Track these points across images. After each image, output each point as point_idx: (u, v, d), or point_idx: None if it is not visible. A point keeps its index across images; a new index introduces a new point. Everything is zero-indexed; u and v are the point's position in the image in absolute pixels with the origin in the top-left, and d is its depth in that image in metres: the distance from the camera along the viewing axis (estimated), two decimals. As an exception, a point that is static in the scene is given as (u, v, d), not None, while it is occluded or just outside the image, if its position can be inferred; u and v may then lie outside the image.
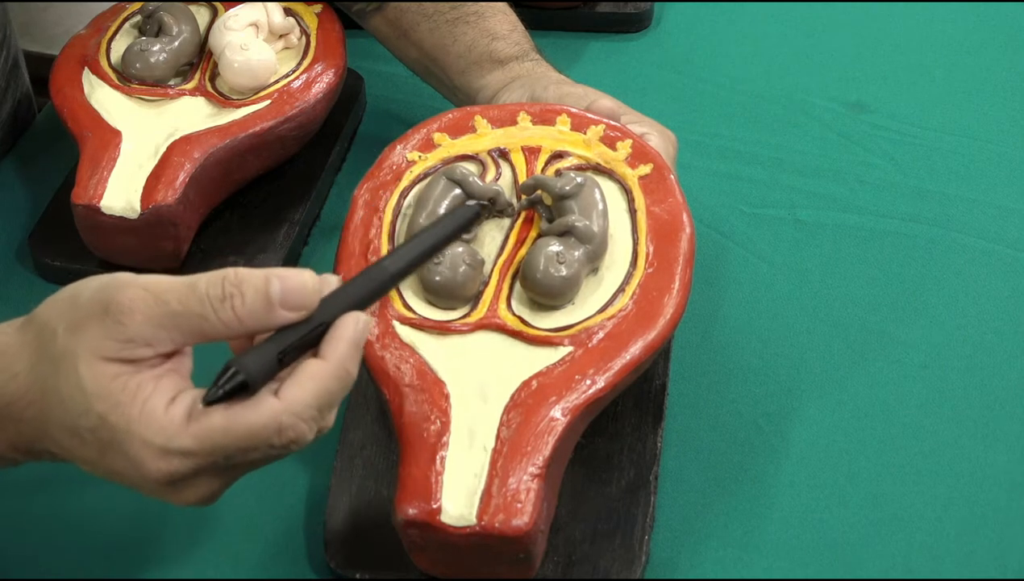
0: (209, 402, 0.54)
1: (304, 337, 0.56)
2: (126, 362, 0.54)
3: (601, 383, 0.66)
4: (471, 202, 0.67)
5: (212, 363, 0.56)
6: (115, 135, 0.85)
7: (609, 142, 0.75)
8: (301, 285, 0.56)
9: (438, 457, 0.63)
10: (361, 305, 0.58)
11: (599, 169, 0.74)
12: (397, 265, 0.62)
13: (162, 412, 0.54)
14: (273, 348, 0.55)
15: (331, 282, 0.58)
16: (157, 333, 0.54)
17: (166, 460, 0.54)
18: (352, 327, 0.57)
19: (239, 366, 0.54)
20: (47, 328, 0.56)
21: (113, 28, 0.93)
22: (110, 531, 0.72)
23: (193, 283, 0.55)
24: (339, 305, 0.57)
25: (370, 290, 0.59)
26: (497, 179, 0.74)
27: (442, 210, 0.71)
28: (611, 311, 0.68)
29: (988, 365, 0.80)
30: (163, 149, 0.84)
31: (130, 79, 0.89)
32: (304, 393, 0.55)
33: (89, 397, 0.54)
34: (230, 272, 0.55)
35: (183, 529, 0.72)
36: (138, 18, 0.93)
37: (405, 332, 0.68)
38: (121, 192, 0.82)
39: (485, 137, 0.76)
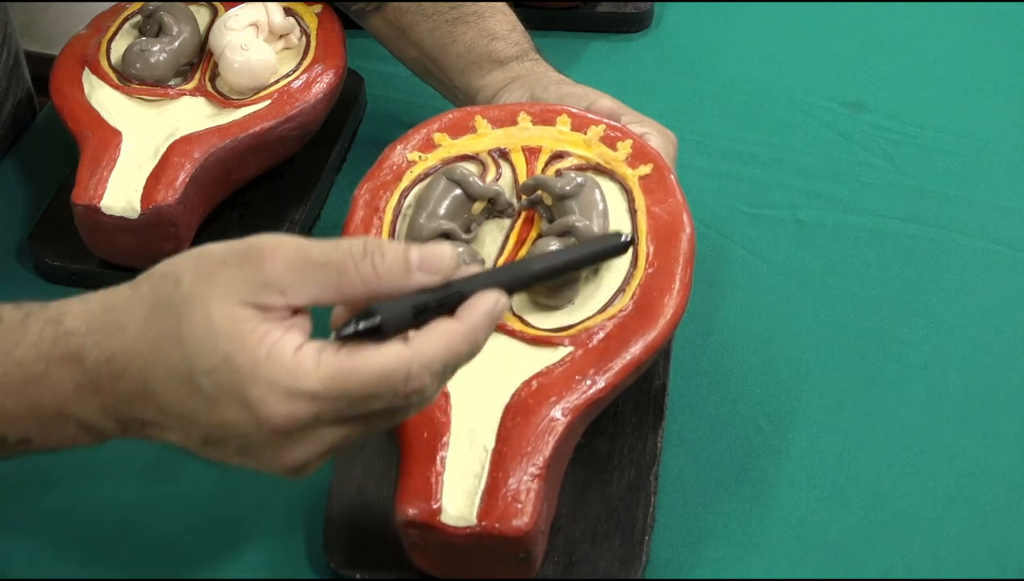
0: (342, 337, 0.54)
1: (441, 299, 0.56)
2: (258, 308, 0.54)
3: (601, 383, 0.66)
4: (624, 236, 0.65)
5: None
6: (115, 135, 0.85)
7: (609, 142, 0.75)
8: (440, 251, 0.56)
9: (438, 457, 0.63)
10: (498, 288, 0.58)
11: (599, 169, 0.74)
12: (541, 266, 0.62)
13: (290, 355, 0.54)
14: (410, 302, 0.55)
15: (470, 267, 0.59)
16: (294, 281, 0.54)
17: (290, 403, 0.53)
18: (491, 300, 0.57)
19: (377, 308, 0.54)
20: (168, 278, 0.56)
21: (113, 28, 0.93)
22: (110, 530, 0.72)
23: (335, 241, 0.56)
24: (478, 283, 0.58)
25: (509, 278, 0.60)
26: (497, 179, 0.74)
27: (442, 211, 0.71)
28: (611, 311, 0.68)
29: (988, 365, 0.80)
30: (163, 149, 0.84)
31: (130, 79, 0.89)
32: (434, 345, 0.55)
33: (216, 336, 0.54)
34: (370, 237, 0.56)
35: (183, 528, 0.72)
36: (138, 18, 0.93)
37: (405, 332, 0.68)
38: (121, 192, 0.82)
39: (485, 137, 0.76)
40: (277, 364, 0.53)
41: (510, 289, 0.59)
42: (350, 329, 0.54)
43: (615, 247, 0.65)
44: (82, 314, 0.57)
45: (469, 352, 0.56)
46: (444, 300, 0.56)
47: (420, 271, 0.56)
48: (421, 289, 0.56)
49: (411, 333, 0.56)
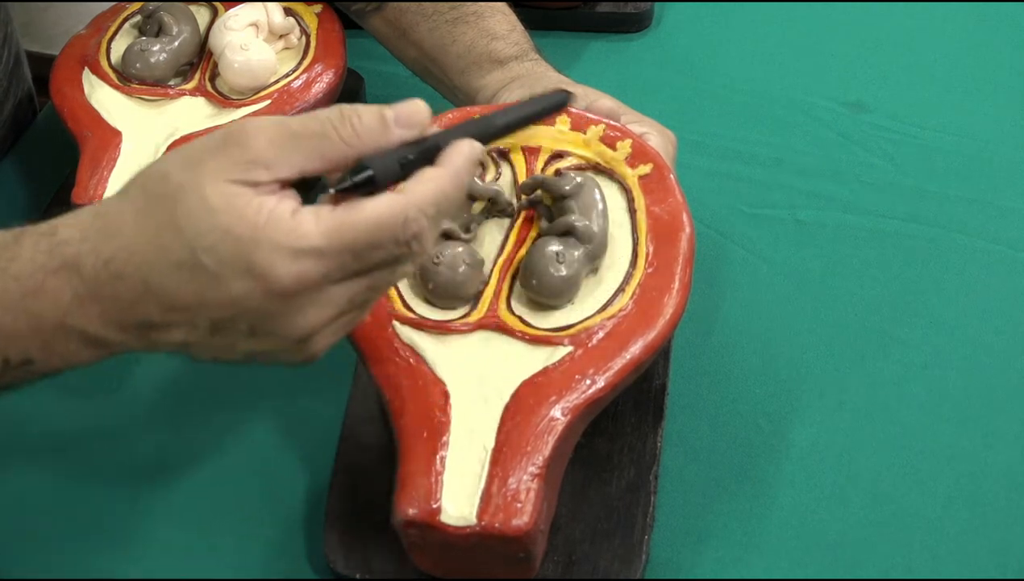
0: (338, 190, 0.55)
1: (422, 150, 0.58)
2: (248, 184, 0.55)
3: (601, 383, 0.66)
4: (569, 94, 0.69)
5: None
6: (115, 135, 0.85)
7: (609, 142, 0.75)
8: (414, 105, 0.58)
9: (438, 457, 0.63)
10: (470, 137, 0.61)
11: (599, 169, 0.74)
12: (504, 120, 0.64)
13: (289, 217, 0.54)
14: (394, 156, 0.57)
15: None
16: (279, 154, 0.55)
17: (296, 262, 0.54)
18: (467, 145, 0.59)
19: (367, 161, 0.56)
20: (155, 176, 0.56)
21: (113, 28, 0.93)
22: (111, 531, 0.72)
23: (311, 112, 0.57)
24: (452, 134, 0.60)
25: (479, 129, 0.62)
26: (497, 179, 0.74)
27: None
28: (611, 311, 0.68)
29: (988, 365, 0.80)
30: (163, 149, 0.84)
31: (130, 79, 0.89)
32: (425, 189, 0.57)
33: (213, 212, 0.54)
34: (344, 104, 0.57)
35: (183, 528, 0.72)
36: (138, 18, 0.93)
37: (405, 332, 0.68)
38: (121, 192, 0.82)
39: (485, 137, 0.76)
40: (278, 227, 0.54)
41: (481, 140, 0.61)
42: (345, 183, 0.56)
43: (562, 101, 0.68)
44: (75, 224, 0.57)
45: (456, 195, 0.58)
46: (424, 151, 0.58)
47: (398, 126, 0.57)
48: (401, 144, 0.57)
49: (400, 185, 0.57)
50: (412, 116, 0.58)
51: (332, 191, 0.56)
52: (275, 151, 0.55)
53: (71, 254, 0.56)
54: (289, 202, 0.55)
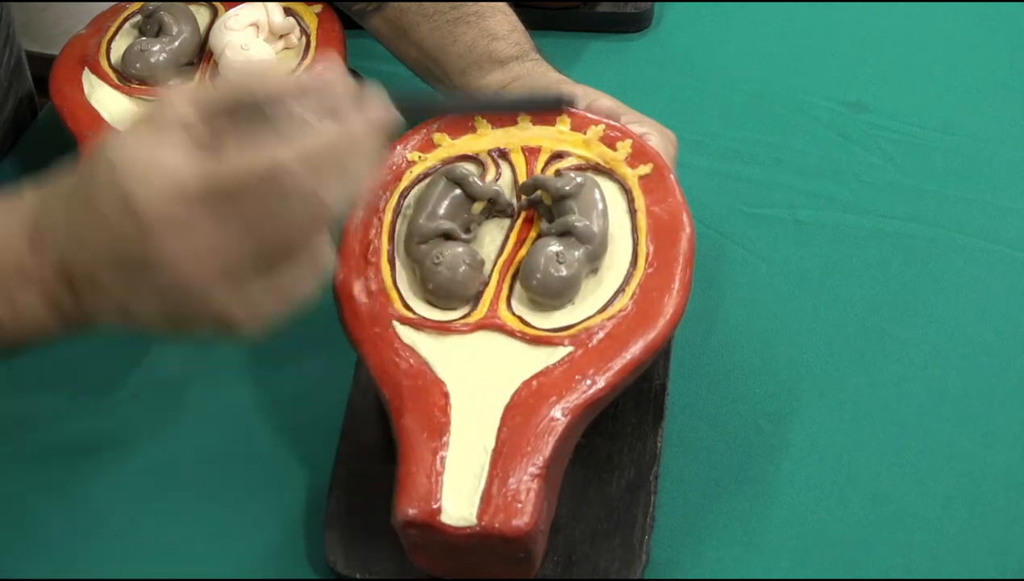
0: None
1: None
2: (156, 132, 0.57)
3: (601, 383, 0.66)
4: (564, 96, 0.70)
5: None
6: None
7: (609, 142, 0.75)
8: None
9: (438, 457, 0.63)
10: (405, 100, 0.62)
11: (599, 169, 0.74)
12: (491, 100, 0.67)
13: (170, 156, 0.56)
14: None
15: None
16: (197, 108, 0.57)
17: (161, 185, 0.55)
18: (378, 110, 0.59)
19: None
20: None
21: (113, 28, 0.93)
22: (110, 532, 0.72)
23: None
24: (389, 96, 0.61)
25: (423, 98, 0.66)
26: (497, 179, 0.74)
27: (442, 211, 0.71)
28: (611, 311, 0.68)
29: (988, 365, 0.80)
30: (163, 149, 0.84)
31: (130, 79, 0.89)
32: (309, 140, 0.57)
33: (107, 151, 0.57)
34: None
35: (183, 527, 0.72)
36: (138, 18, 0.93)
37: (405, 332, 0.68)
38: (121, 192, 0.82)
39: (485, 137, 0.76)
40: (156, 163, 0.56)
41: (417, 106, 0.63)
42: None
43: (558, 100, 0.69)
44: (37, 187, 0.60)
45: (349, 150, 0.57)
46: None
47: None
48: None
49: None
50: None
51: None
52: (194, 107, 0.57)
53: (27, 208, 0.59)
54: (182, 149, 0.56)
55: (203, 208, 0.55)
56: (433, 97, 0.64)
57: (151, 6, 0.92)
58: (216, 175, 0.55)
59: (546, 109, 0.70)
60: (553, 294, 0.69)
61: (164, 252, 0.56)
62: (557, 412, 0.64)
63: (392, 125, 0.60)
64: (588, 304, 0.69)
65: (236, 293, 0.58)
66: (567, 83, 0.83)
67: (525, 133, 0.76)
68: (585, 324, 0.68)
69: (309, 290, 0.60)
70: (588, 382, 0.66)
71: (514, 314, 0.69)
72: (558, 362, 0.66)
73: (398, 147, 0.75)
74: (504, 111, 0.67)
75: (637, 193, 0.73)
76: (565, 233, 0.70)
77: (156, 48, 0.89)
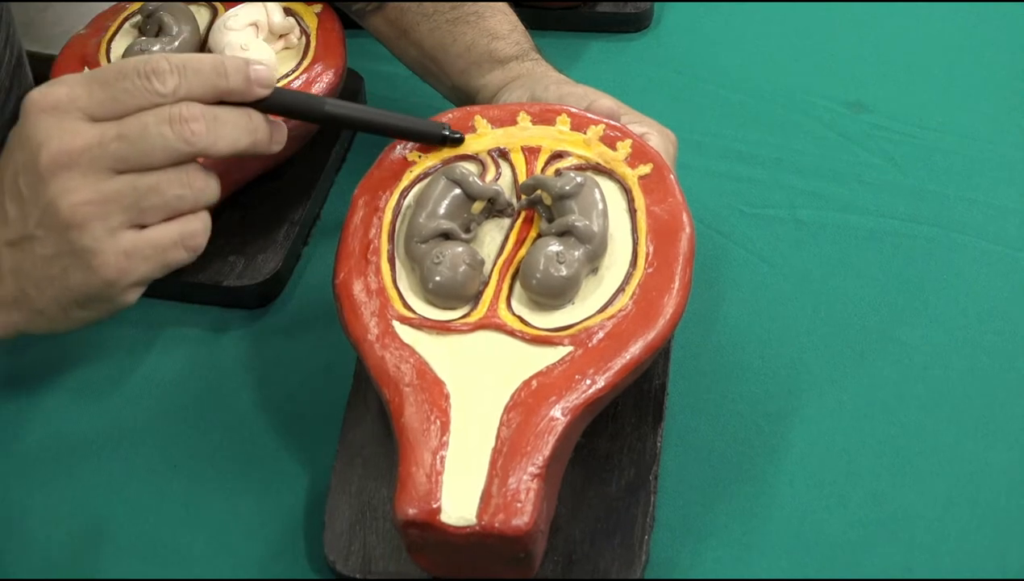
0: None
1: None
2: None
3: (601, 383, 0.66)
4: (445, 128, 0.74)
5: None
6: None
7: (609, 142, 0.75)
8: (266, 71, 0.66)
9: (438, 457, 0.63)
10: (287, 99, 0.68)
11: (599, 169, 0.74)
12: (333, 107, 0.70)
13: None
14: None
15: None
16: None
17: (48, 86, 0.62)
18: (263, 69, 0.66)
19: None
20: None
21: (113, 28, 0.93)
22: (110, 533, 0.72)
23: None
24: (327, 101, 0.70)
25: (301, 99, 0.70)
26: (497, 179, 0.74)
27: (442, 210, 0.71)
28: (611, 311, 0.68)
29: (988, 365, 0.80)
30: (163, 149, 0.84)
31: (130, 79, 0.89)
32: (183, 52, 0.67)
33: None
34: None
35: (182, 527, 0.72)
36: (138, 18, 0.93)
37: (405, 332, 0.68)
38: (121, 192, 0.82)
39: (485, 137, 0.76)
40: (51, 84, 0.63)
41: (297, 106, 0.68)
42: None
43: (435, 136, 0.74)
44: None
45: (212, 68, 0.63)
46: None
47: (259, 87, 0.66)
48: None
49: None
50: (265, 79, 0.65)
51: None
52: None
53: None
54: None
55: (81, 91, 0.62)
56: (317, 102, 0.68)
57: (151, 6, 0.92)
58: (95, 70, 0.63)
59: (428, 141, 0.74)
60: (553, 294, 0.69)
61: (48, 142, 0.61)
62: (557, 412, 0.64)
63: (270, 81, 0.65)
64: (588, 304, 0.69)
65: (109, 236, 0.62)
66: (567, 83, 0.83)
67: (525, 133, 0.76)
68: (585, 324, 0.68)
69: (179, 257, 0.65)
70: (588, 382, 0.66)
71: (514, 314, 0.69)
72: (558, 362, 0.66)
73: (398, 147, 0.75)
74: (386, 134, 0.71)
75: (637, 193, 0.73)
76: (565, 233, 0.70)
77: (156, 48, 0.89)
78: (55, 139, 0.62)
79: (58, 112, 0.62)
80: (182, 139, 0.62)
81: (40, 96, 0.62)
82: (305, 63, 0.90)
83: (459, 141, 0.74)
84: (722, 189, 0.93)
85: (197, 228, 0.65)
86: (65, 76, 0.62)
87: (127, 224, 0.63)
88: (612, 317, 0.68)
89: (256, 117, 0.66)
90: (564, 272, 0.68)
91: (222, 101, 0.64)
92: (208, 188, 0.65)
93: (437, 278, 0.68)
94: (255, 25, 0.90)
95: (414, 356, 0.67)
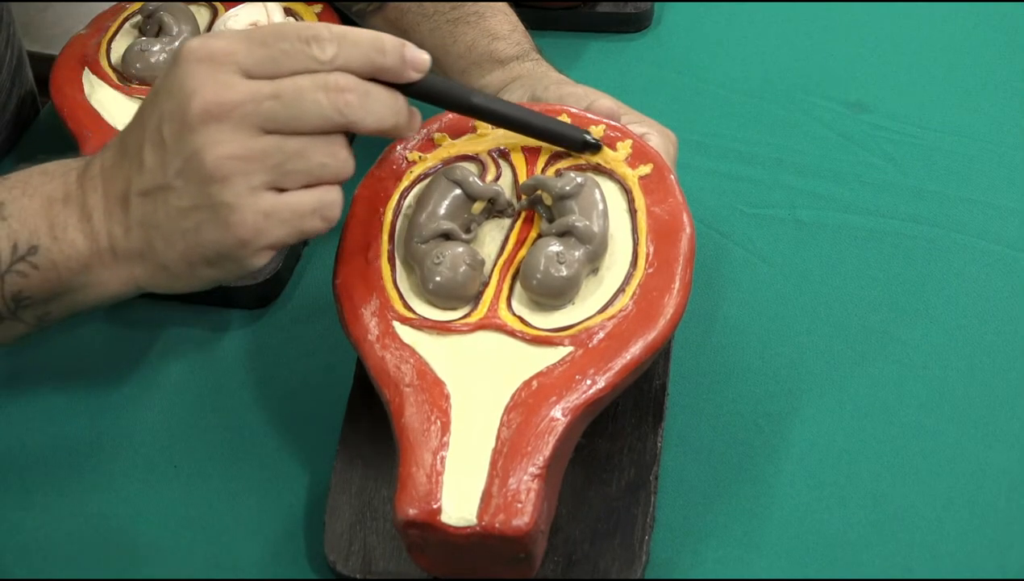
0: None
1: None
2: None
3: (601, 383, 0.66)
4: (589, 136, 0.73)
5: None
6: (115, 135, 0.85)
7: (609, 142, 0.75)
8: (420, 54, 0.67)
9: (438, 457, 0.63)
10: (437, 85, 0.68)
11: (599, 169, 0.74)
12: (482, 100, 0.70)
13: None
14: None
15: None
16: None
17: (207, 38, 0.62)
18: (411, 48, 0.66)
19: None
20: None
21: (113, 28, 0.93)
22: (110, 532, 0.72)
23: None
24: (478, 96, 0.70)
25: (450, 87, 0.70)
26: (497, 179, 0.74)
27: (442, 210, 0.71)
28: (611, 311, 0.68)
29: (988, 365, 0.80)
30: (163, 149, 0.84)
31: (130, 79, 0.89)
32: (340, 25, 0.64)
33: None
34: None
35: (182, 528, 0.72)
36: (138, 18, 0.93)
37: (405, 332, 0.68)
38: (121, 192, 0.82)
39: (485, 137, 0.76)
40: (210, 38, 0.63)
41: (446, 92, 0.69)
42: None
43: (576, 141, 0.72)
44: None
45: (371, 43, 0.63)
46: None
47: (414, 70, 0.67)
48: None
49: None
50: (420, 62, 0.66)
51: None
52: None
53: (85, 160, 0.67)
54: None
55: (240, 48, 0.61)
56: (465, 93, 0.68)
57: (151, 6, 0.92)
58: (252, 28, 0.63)
59: (568, 145, 0.73)
60: (553, 294, 0.69)
61: (201, 90, 0.60)
62: (557, 412, 0.64)
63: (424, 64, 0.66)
64: (588, 304, 0.69)
65: (250, 194, 0.61)
66: (567, 83, 0.83)
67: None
68: (585, 324, 0.68)
69: (315, 226, 0.64)
70: (588, 382, 0.66)
71: (514, 314, 0.69)
72: (558, 362, 0.66)
73: (398, 147, 0.75)
74: (526, 133, 0.71)
75: (637, 193, 0.73)
76: (565, 233, 0.70)
77: (156, 48, 0.89)
78: (209, 89, 0.60)
79: (214, 63, 0.61)
80: (335, 108, 0.61)
81: (198, 45, 0.61)
82: (305, 63, 0.90)
83: (598, 148, 0.73)
84: (722, 189, 0.93)
85: (335, 199, 0.64)
86: (223, 31, 0.62)
87: (268, 185, 0.62)
88: (612, 317, 0.68)
89: (401, 100, 0.65)
90: (564, 272, 0.68)
91: (373, 78, 0.63)
92: (349, 162, 0.64)
93: (437, 278, 0.69)
94: (255, 25, 0.90)
95: (414, 356, 0.67)
